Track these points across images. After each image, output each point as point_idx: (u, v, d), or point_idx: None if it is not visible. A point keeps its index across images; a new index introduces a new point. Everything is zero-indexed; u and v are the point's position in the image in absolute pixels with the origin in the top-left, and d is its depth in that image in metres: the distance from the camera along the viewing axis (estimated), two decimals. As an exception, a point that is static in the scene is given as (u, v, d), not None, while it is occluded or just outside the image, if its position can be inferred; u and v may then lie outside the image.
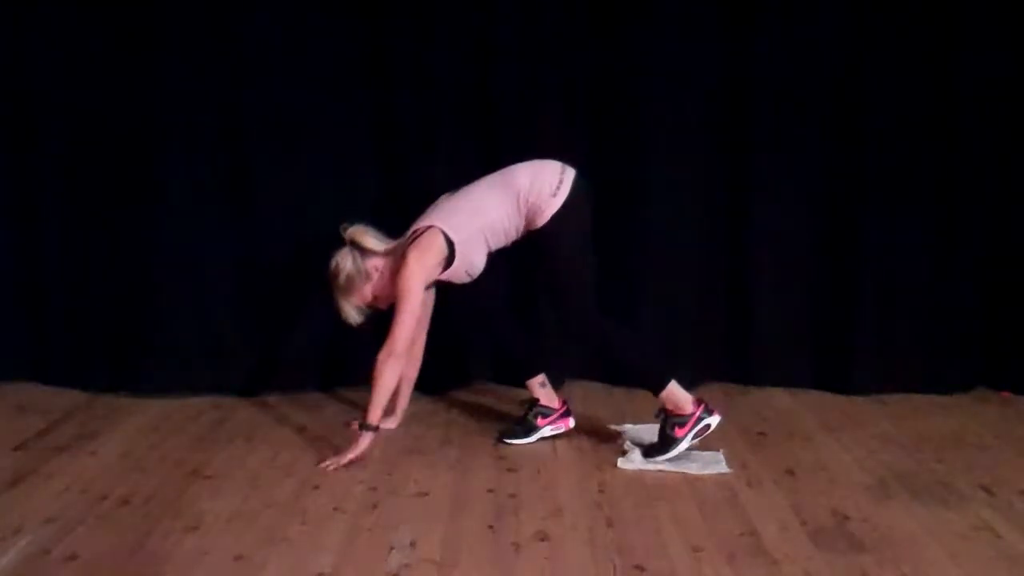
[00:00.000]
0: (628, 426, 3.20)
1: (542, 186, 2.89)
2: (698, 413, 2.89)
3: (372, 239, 2.99)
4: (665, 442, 2.89)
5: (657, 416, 2.95)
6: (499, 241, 2.99)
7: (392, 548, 2.35)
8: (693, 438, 2.88)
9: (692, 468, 2.84)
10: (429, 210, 3.02)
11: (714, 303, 3.70)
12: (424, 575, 2.22)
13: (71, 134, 3.56)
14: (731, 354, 3.68)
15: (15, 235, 3.67)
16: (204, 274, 3.60)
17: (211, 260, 3.60)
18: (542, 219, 2.89)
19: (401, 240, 2.99)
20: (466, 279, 3.01)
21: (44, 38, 3.50)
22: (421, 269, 2.87)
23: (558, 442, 3.12)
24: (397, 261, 2.93)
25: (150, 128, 3.52)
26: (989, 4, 3.46)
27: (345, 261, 2.97)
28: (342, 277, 2.97)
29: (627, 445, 2.99)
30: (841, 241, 3.61)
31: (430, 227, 2.91)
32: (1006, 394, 3.65)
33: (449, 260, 2.92)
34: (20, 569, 2.24)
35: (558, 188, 2.89)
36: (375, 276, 2.99)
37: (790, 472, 2.85)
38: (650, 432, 3.01)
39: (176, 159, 3.53)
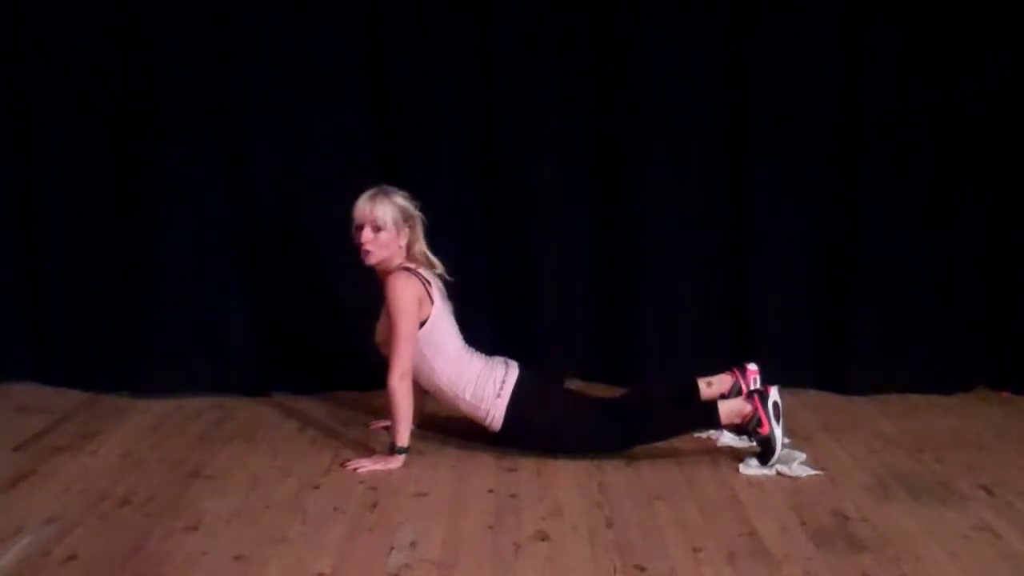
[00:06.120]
0: (714, 432, 3.12)
1: (485, 388, 2.93)
2: (758, 404, 2.87)
3: (422, 234, 3.00)
4: (765, 446, 2.87)
5: (741, 437, 2.99)
6: (419, 375, 2.97)
7: (392, 548, 2.35)
8: (777, 423, 2.85)
9: (795, 469, 2.83)
10: (437, 281, 3.03)
11: (715, 304, 3.70)
12: (424, 575, 2.22)
13: (71, 133, 3.56)
14: (731, 355, 3.68)
15: (15, 235, 3.67)
16: (204, 274, 3.60)
17: (211, 260, 3.60)
18: (495, 421, 2.94)
19: (416, 258, 2.99)
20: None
21: (43, 33, 3.50)
22: (412, 293, 2.87)
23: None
24: (396, 265, 2.94)
25: (150, 128, 3.51)
26: (991, 9, 3.46)
27: (413, 207, 2.97)
28: (407, 203, 2.95)
29: (743, 454, 2.96)
30: (841, 241, 3.62)
31: (432, 299, 2.92)
32: (1006, 394, 3.65)
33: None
34: (20, 569, 2.24)
35: (501, 388, 2.93)
36: (399, 235, 2.95)
37: (790, 472, 2.85)
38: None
39: (176, 159, 3.53)
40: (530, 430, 2.95)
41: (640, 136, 3.58)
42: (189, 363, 3.61)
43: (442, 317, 2.97)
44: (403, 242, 2.97)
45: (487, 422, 2.96)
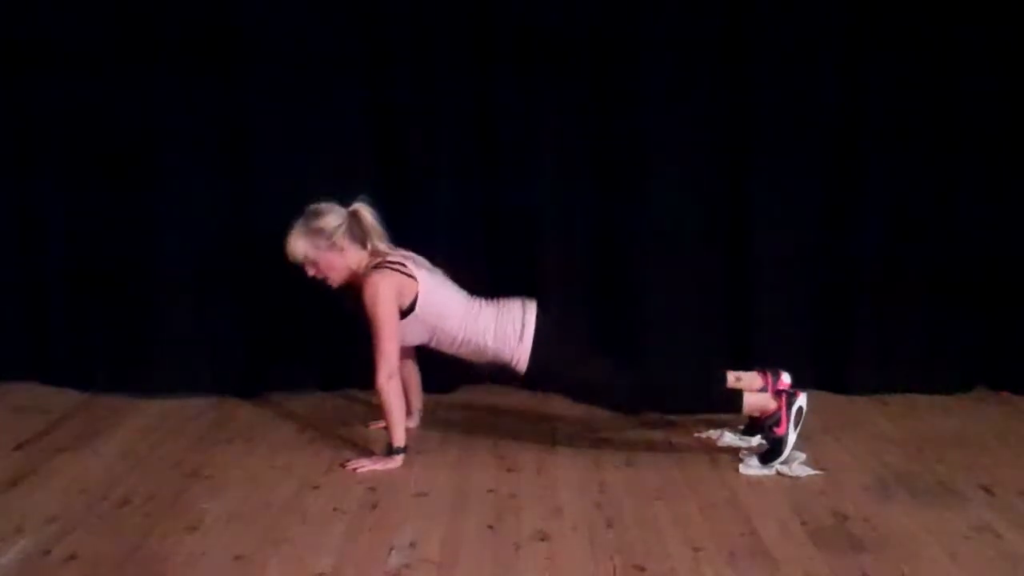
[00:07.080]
0: (714, 432, 3.14)
1: (506, 331, 2.92)
2: (783, 404, 2.86)
3: (371, 226, 2.96)
4: (774, 446, 2.86)
5: (747, 432, 3.00)
6: (440, 345, 2.98)
7: (392, 548, 2.35)
8: (795, 428, 2.85)
9: (795, 469, 2.83)
10: (413, 256, 3.01)
11: (714, 304, 3.70)
12: (424, 575, 2.22)
13: (71, 134, 3.55)
14: (731, 355, 3.68)
15: (15, 235, 3.67)
16: (204, 274, 3.60)
17: (211, 260, 3.60)
18: (521, 364, 2.93)
19: (380, 251, 2.96)
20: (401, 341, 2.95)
21: (43, 32, 3.49)
22: (387, 289, 2.85)
23: (558, 442, 3.11)
24: (365, 268, 2.93)
25: (150, 130, 3.51)
26: (987, 16, 3.46)
27: (333, 216, 2.93)
28: (319, 223, 2.91)
29: (742, 454, 2.95)
30: (841, 241, 3.61)
31: (412, 277, 2.90)
32: (1006, 394, 3.65)
33: (408, 310, 2.91)
34: (20, 569, 2.24)
35: (522, 332, 2.92)
36: (338, 252, 2.93)
37: (790, 472, 2.85)
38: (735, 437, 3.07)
39: (176, 161, 3.53)
40: (554, 369, 2.94)
41: (640, 137, 3.58)
42: (189, 363, 3.61)
43: (433, 287, 2.94)
44: (347, 256, 2.94)
45: (513, 363, 2.94)
